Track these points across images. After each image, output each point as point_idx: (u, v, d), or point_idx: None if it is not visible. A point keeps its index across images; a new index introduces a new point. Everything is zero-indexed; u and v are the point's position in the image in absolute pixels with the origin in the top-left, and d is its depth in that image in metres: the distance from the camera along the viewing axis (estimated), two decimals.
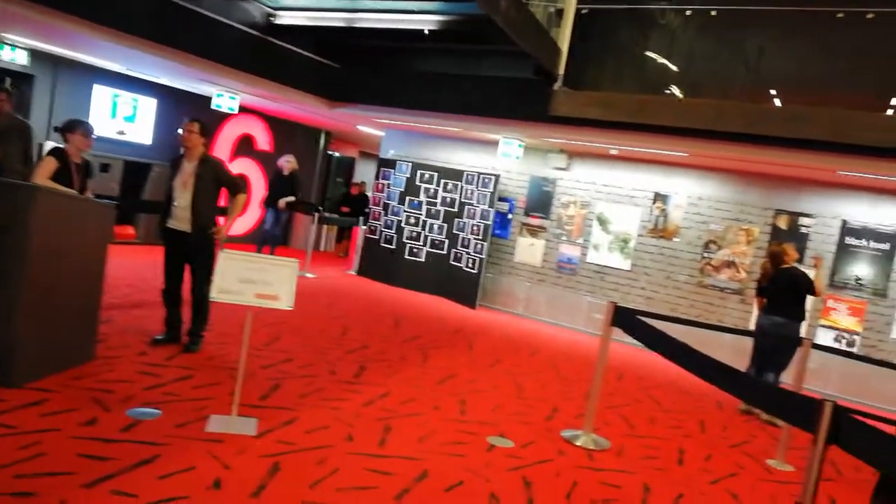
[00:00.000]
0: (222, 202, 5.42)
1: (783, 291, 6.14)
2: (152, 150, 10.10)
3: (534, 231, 9.66)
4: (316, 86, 9.20)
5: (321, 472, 3.33)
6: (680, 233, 8.69)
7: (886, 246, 7.56)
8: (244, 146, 11.80)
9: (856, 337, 7.65)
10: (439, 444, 4.01)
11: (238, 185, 5.29)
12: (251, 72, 8.38)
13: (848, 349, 7.64)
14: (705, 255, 8.53)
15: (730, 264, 8.37)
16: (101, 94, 9.57)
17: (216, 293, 3.61)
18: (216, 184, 5.14)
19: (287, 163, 9.96)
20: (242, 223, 12.04)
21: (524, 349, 7.41)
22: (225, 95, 9.35)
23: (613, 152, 8.60)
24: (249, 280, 3.68)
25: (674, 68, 7.90)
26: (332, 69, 9.38)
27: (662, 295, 8.76)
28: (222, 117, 10.87)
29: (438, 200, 10.09)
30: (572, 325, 9.29)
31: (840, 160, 6.54)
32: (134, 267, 7.90)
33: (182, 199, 4.99)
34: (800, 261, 7.69)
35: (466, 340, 7.30)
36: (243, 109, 11.51)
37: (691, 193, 8.67)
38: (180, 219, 4.99)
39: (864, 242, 7.68)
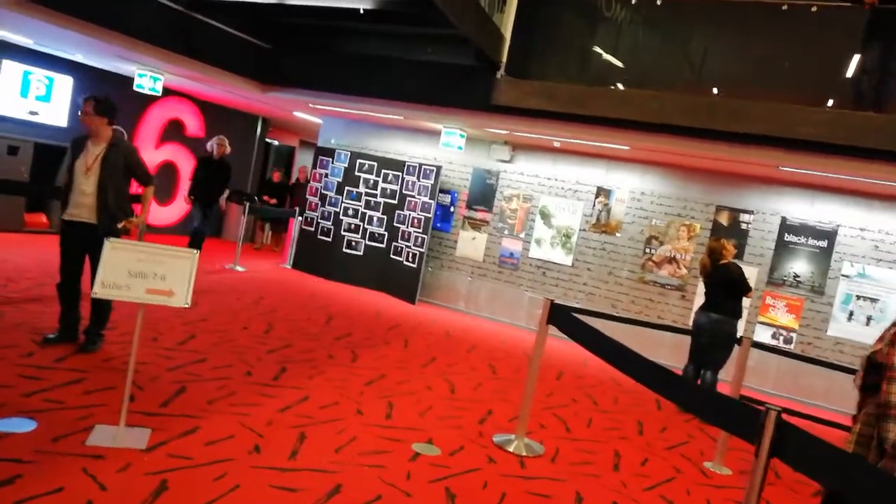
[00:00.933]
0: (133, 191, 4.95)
1: (720, 287, 6.04)
2: (68, 132, 9.39)
3: (476, 225, 9.40)
4: (246, 67, 8.69)
5: (216, 490, 2.96)
6: (622, 228, 8.57)
7: (824, 243, 7.59)
8: (173, 131, 11.15)
9: (793, 334, 7.66)
10: (358, 454, 3.68)
11: (149, 176, 4.82)
12: (174, 50, 7.83)
13: (785, 346, 7.65)
14: (647, 250, 8.42)
15: (671, 260, 8.29)
16: (10, 71, 8.82)
17: (99, 288, 3.17)
18: (126, 171, 4.65)
19: (218, 145, 8.68)
20: (168, 213, 11.39)
21: (461, 346, 7.13)
22: (147, 75, 8.74)
23: (557, 145, 8.41)
24: (140, 274, 3.25)
25: (618, 63, 7.73)
26: (264, 50, 8.88)
27: (604, 291, 8.62)
28: (148, 99, 10.22)
29: (378, 192, 9.72)
30: (513, 321, 9.08)
31: (781, 155, 6.47)
32: (41, 258, 7.26)
33: (86, 186, 4.49)
34: (738, 256, 7.66)
35: (402, 338, 6.97)
36: (172, 92, 10.87)
37: (634, 188, 8.55)
38: (82, 206, 4.49)
39: (802, 239, 7.70)
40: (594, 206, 8.73)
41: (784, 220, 7.79)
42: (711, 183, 8.18)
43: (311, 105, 9.44)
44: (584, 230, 8.77)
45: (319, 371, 5.18)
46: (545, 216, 8.98)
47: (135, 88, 8.86)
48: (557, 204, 8.92)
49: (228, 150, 8.89)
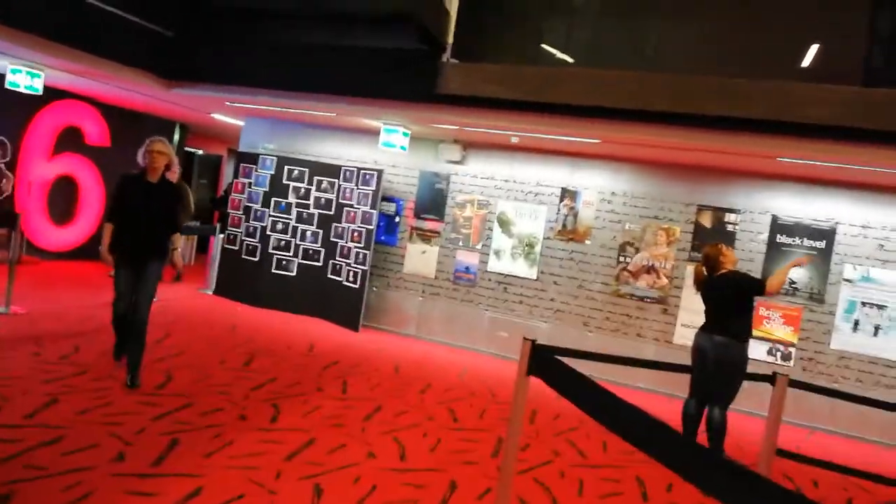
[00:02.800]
0: None
1: (722, 303, 4.98)
2: None
3: (426, 236, 8.19)
4: (144, 59, 7.27)
5: None
6: (592, 234, 7.49)
7: (822, 244, 6.66)
8: (69, 140, 9.57)
9: (791, 349, 6.70)
10: None
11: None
12: (52, 38, 6.39)
13: (783, 363, 6.68)
14: (621, 259, 7.37)
15: (649, 269, 7.25)
16: None
17: None
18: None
19: (150, 153, 4.72)
20: (68, 235, 9.78)
21: (413, 386, 5.89)
22: (22, 71, 7.23)
23: (514, 140, 7.28)
24: None
25: (587, 39, 6.66)
26: (165, 38, 7.48)
27: (574, 307, 7.52)
28: (36, 103, 8.65)
29: (311, 202, 8.41)
30: (472, 345, 7.89)
31: (784, 143, 5.48)
32: None
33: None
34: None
35: (340, 379, 5.69)
36: (67, 94, 9.32)
37: (603, 189, 7.49)
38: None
39: (797, 241, 6.76)
40: (559, 210, 7.63)
41: (775, 218, 6.85)
42: (692, 180, 7.18)
43: (227, 104, 8.08)
44: (548, 238, 7.66)
45: (226, 440, 3.86)
46: (504, 224, 7.84)
47: (7, 87, 7.32)
48: (517, 209, 7.79)
49: (175, 165, 5.11)
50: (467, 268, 7.98)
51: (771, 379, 3.93)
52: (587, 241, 7.51)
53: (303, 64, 7.05)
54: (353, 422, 4.62)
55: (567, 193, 7.62)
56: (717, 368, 4.90)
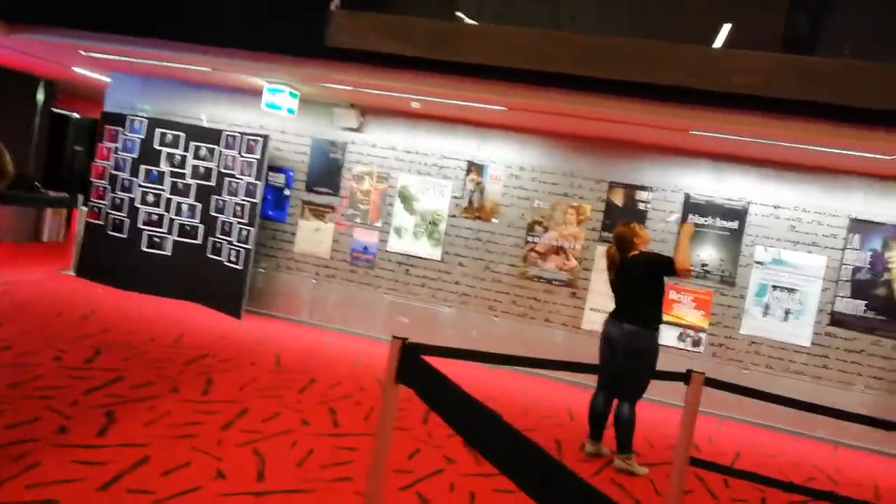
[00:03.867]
0: None
1: (633, 286, 4.55)
2: None
3: (319, 212, 7.42)
4: None
5: None
6: (500, 212, 6.96)
7: (734, 224, 6.40)
8: None
9: (702, 334, 6.44)
10: None
11: None
12: None
13: (694, 349, 6.41)
14: (530, 238, 6.88)
15: (558, 250, 6.80)
16: None
17: None
18: None
19: None
20: None
21: (295, 382, 5.18)
22: None
23: (416, 106, 6.60)
24: None
25: None
26: None
27: (480, 290, 6.99)
28: None
29: (188, 171, 7.45)
30: (370, 332, 7.23)
31: (702, 113, 5.09)
32: None
33: None
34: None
35: (204, 376, 4.91)
36: None
37: (511, 163, 6.96)
38: None
39: (709, 220, 6.47)
40: (465, 185, 7.05)
41: (688, 197, 6.53)
42: (603, 155, 6.75)
43: (83, 52, 6.95)
44: (454, 216, 7.07)
45: (38, 458, 3.04)
46: (406, 199, 7.18)
47: None
48: (420, 184, 7.14)
49: None
50: (366, 247, 7.29)
51: (685, 377, 3.49)
52: (494, 220, 6.98)
53: (169, 7, 6.08)
54: (207, 431, 3.88)
55: (473, 167, 7.04)
56: (627, 359, 4.47)
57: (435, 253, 7.11)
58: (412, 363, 2.51)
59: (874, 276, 6.06)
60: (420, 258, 7.14)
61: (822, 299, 6.17)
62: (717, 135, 5.58)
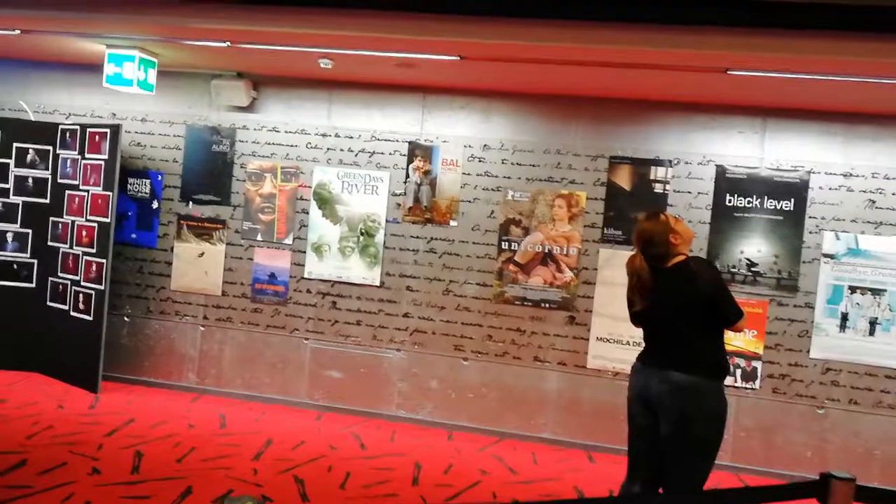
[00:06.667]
0: None
1: (679, 314, 2.98)
2: None
3: (204, 230, 5.59)
4: None
5: None
6: (460, 211, 5.26)
7: (790, 204, 4.84)
8: None
9: (756, 363, 4.85)
10: None
11: None
12: None
13: (745, 384, 4.83)
14: (505, 245, 5.20)
15: (546, 259, 5.14)
16: None
17: None
18: None
19: None
20: None
21: (153, 501, 3.37)
22: None
23: (326, 66, 4.83)
24: None
25: None
26: None
27: (440, 324, 5.28)
28: None
29: (10, 185, 5.54)
30: (287, 396, 5.46)
31: (742, 41, 3.56)
32: None
33: None
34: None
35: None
36: None
37: (471, 140, 5.28)
38: None
39: (754, 201, 4.89)
40: (408, 177, 5.33)
41: (722, 171, 4.94)
42: (600, 120, 5.14)
43: None
44: (395, 221, 5.34)
45: None
46: (325, 203, 5.42)
47: None
48: (345, 179, 5.40)
49: None
50: (272, 274, 5.48)
51: (820, 489, 1.85)
52: (453, 222, 5.27)
53: None
54: None
55: (418, 150, 5.33)
56: (677, 429, 2.88)
57: (372, 276, 5.35)
58: None
59: None
60: (352, 284, 5.39)
61: None
62: (768, 73, 4.00)
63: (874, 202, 4.74)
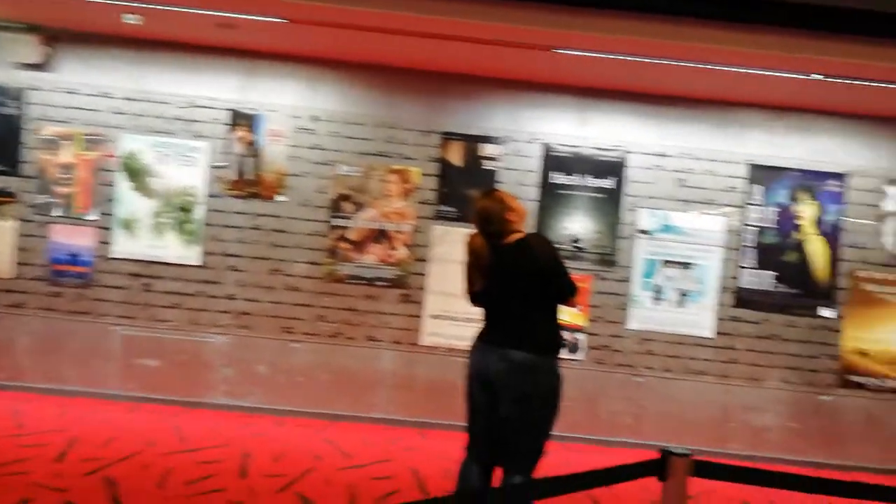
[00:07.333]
0: None
1: (519, 291, 3.00)
2: None
3: None
4: None
5: None
6: (287, 185, 5.06)
7: (610, 182, 5.11)
8: None
9: (580, 335, 5.11)
10: None
11: None
12: None
13: (570, 356, 5.06)
14: (336, 222, 5.07)
15: (379, 236, 5.08)
16: None
17: None
18: None
19: None
20: None
21: None
22: None
23: (131, 20, 4.39)
24: None
25: None
26: None
27: (267, 305, 5.07)
28: None
29: None
30: (95, 388, 5.01)
31: (570, 20, 3.65)
32: None
33: None
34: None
35: None
36: None
37: (300, 110, 5.09)
38: None
39: (577, 178, 5.12)
40: (230, 147, 5.03)
41: (548, 149, 5.11)
42: (433, 95, 5.14)
43: None
44: (216, 196, 5.03)
45: None
46: (136, 174, 5.00)
47: None
48: (158, 148, 4.99)
49: None
50: (74, 255, 4.97)
51: (660, 467, 1.95)
52: (280, 197, 5.06)
53: None
54: None
55: (241, 119, 5.04)
56: (517, 407, 2.94)
57: (191, 254, 5.02)
58: None
59: (783, 239, 5.11)
60: (167, 264, 5.02)
61: (724, 273, 5.13)
62: (592, 53, 4.18)
63: (684, 181, 5.13)
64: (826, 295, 5.10)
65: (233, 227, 5.06)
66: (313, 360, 5.08)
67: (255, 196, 5.05)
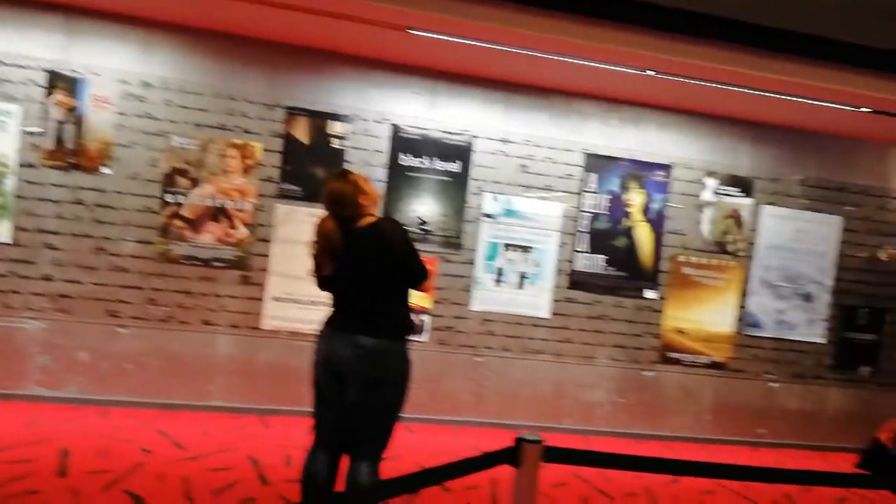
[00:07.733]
0: None
1: (370, 276, 2.99)
2: None
3: None
4: None
5: None
6: (114, 156, 4.69)
7: (456, 166, 5.21)
8: None
9: (425, 317, 5.19)
10: None
11: None
12: None
13: (416, 339, 5.12)
14: (169, 198, 4.77)
15: (217, 214, 4.85)
16: None
17: None
18: None
19: None
20: None
21: None
22: None
23: None
24: None
25: None
26: None
27: (90, 287, 4.70)
28: None
29: None
30: None
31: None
32: None
33: None
34: None
35: None
36: None
37: (130, 74, 4.72)
38: None
39: (425, 161, 5.17)
40: (47, 113, 4.57)
41: (396, 130, 5.11)
42: (278, 67, 4.95)
43: None
44: (30, 165, 4.57)
45: None
46: None
47: None
48: None
49: None
50: None
51: (513, 455, 2.03)
52: (105, 169, 4.68)
53: None
54: None
55: (60, 82, 4.58)
56: (365, 394, 2.95)
57: (0, 231, 4.53)
58: None
59: (613, 225, 5.46)
60: None
61: (561, 257, 5.40)
62: (443, 36, 4.21)
63: (526, 167, 5.33)
64: (650, 278, 5.53)
65: (50, 200, 4.61)
66: (143, 346, 4.77)
67: (75, 167, 4.63)
